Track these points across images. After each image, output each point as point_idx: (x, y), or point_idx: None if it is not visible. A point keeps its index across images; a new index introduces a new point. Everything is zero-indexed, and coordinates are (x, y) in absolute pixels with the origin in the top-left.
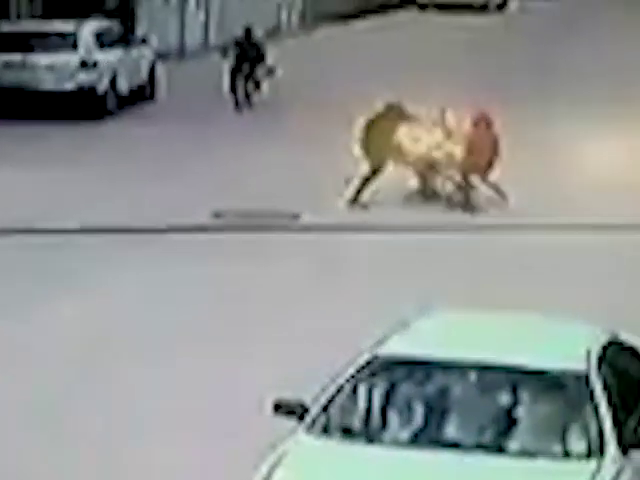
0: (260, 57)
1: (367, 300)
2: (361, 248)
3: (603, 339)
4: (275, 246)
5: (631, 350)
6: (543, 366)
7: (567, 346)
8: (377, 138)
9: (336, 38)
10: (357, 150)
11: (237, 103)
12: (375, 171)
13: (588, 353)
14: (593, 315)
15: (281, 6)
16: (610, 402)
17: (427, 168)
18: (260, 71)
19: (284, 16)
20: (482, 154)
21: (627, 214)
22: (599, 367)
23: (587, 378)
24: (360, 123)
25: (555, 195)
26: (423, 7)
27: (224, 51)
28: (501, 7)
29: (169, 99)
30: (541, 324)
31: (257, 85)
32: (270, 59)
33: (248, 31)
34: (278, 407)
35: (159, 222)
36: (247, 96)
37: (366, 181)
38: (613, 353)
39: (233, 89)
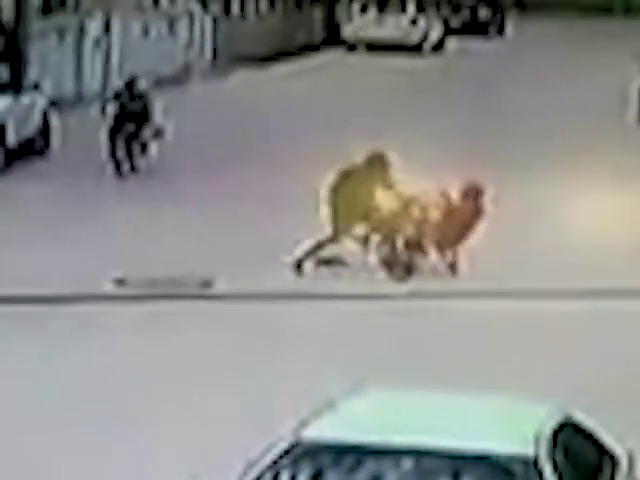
0: (145, 114)
1: (289, 377)
2: (286, 318)
3: (555, 420)
4: (185, 316)
5: (586, 432)
6: (487, 450)
7: (514, 428)
8: (352, 196)
9: (251, 84)
10: (324, 207)
11: (119, 169)
12: (338, 234)
13: (537, 436)
14: (544, 392)
15: (190, 47)
16: None
17: (392, 232)
18: (146, 132)
19: (193, 58)
20: (458, 227)
21: (569, 278)
22: (550, 451)
23: (536, 463)
24: (331, 177)
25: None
26: (352, 48)
27: (102, 108)
28: (437, 48)
29: (64, 152)
30: (485, 404)
31: (143, 148)
32: (173, 110)
33: (131, 83)
34: None
35: (51, 291)
36: (131, 160)
37: (322, 245)
38: (566, 435)
39: (113, 153)
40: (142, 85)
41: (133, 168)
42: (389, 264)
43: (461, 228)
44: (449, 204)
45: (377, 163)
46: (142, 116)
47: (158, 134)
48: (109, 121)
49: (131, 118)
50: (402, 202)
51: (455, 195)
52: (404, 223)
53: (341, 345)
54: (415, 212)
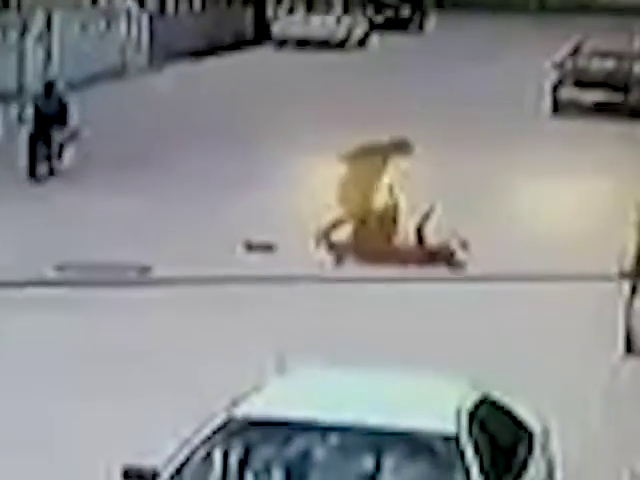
0: (62, 118)
1: (224, 358)
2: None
3: (473, 397)
4: (124, 302)
5: (502, 408)
6: (409, 426)
7: (436, 405)
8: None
9: (185, 78)
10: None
11: (34, 173)
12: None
13: (458, 411)
14: (468, 371)
15: (128, 43)
16: (481, 465)
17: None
18: (59, 135)
19: (130, 54)
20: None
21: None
22: (469, 427)
23: (457, 439)
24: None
25: None
26: (280, 44)
27: (19, 115)
28: (362, 43)
29: (5, 145)
30: (407, 382)
31: (60, 151)
32: (111, 102)
33: (49, 86)
34: (127, 474)
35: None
36: (49, 164)
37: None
38: (484, 412)
39: (32, 158)
40: (60, 88)
41: (51, 171)
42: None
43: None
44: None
45: (397, 149)
46: (57, 119)
47: (73, 135)
48: (29, 126)
49: (49, 121)
50: (385, 206)
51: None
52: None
53: (272, 324)
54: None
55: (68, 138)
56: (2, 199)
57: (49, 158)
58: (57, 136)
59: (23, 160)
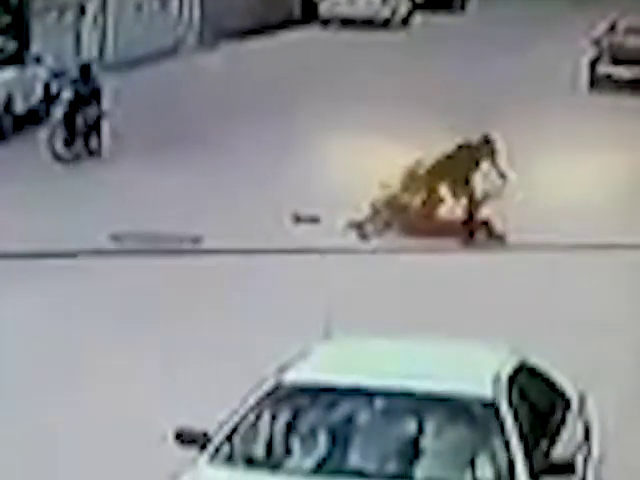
0: (95, 99)
1: (272, 325)
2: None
3: (512, 364)
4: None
5: (540, 375)
6: (450, 391)
7: (475, 371)
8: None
9: (236, 56)
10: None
11: (58, 154)
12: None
13: (496, 378)
14: (502, 339)
15: (180, 23)
16: (519, 428)
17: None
18: (90, 115)
19: (182, 33)
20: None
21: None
22: (508, 392)
23: (495, 404)
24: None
25: None
26: (325, 23)
27: (52, 97)
28: (405, 22)
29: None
30: (448, 349)
31: (89, 131)
32: (166, 79)
33: (85, 68)
34: (180, 436)
35: (52, 247)
36: (86, 145)
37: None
38: (522, 378)
39: (70, 139)
40: (94, 71)
41: (89, 150)
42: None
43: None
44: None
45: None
46: (90, 101)
47: (101, 118)
48: (64, 107)
49: (84, 103)
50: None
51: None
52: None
53: (320, 295)
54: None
55: (97, 119)
56: (56, 177)
57: (85, 137)
58: (89, 116)
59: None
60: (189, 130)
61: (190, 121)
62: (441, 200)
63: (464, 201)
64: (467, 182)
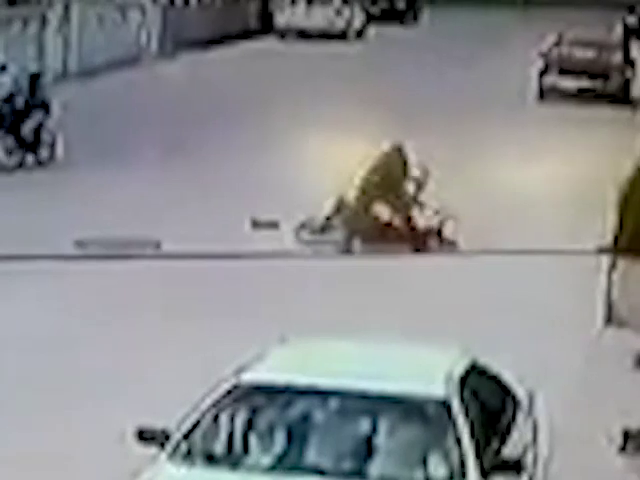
0: (44, 109)
1: (229, 327)
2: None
3: (463, 364)
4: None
5: (491, 375)
6: (403, 391)
7: (427, 371)
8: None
9: (195, 66)
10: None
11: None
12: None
13: (448, 378)
14: (457, 341)
15: (140, 33)
16: (471, 427)
17: None
18: (37, 124)
19: (143, 43)
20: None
21: None
22: (460, 392)
23: (448, 403)
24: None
25: None
26: (282, 34)
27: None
28: (360, 34)
29: None
30: (401, 351)
31: (40, 140)
32: (127, 88)
33: (34, 78)
34: (140, 434)
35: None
36: (35, 154)
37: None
38: (473, 378)
39: (14, 148)
40: (43, 81)
41: (40, 161)
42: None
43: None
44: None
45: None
46: (42, 110)
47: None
48: (8, 115)
49: (30, 112)
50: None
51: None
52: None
53: (275, 300)
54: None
55: (44, 128)
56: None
57: (32, 147)
58: (36, 125)
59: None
60: (149, 136)
61: (150, 128)
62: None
63: (402, 210)
64: (400, 191)
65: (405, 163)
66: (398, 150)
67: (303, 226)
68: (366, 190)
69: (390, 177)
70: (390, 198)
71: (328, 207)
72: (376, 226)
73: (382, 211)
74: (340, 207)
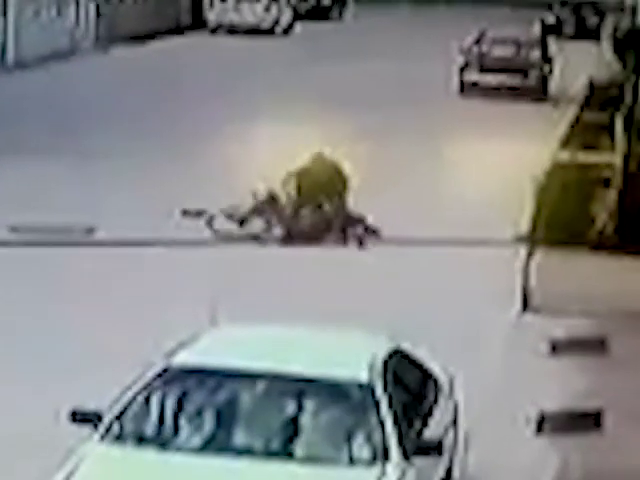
0: None
1: (159, 312)
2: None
3: (386, 349)
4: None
5: (413, 360)
6: (328, 375)
7: (352, 356)
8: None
9: (129, 59)
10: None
11: None
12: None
13: (371, 362)
14: (380, 326)
15: (76, 28)
16: (394, 410)
17: None
18: None
19: (78, 37)
20: None
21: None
22: (383, 376)
23: (371, 386)
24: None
25: None
26: (214, 30)
27: None
28: (287, 31)
29: None
30: (327, 335)
31: None
32: (62, 78)
33: None
34: (74, 415)
35: None
36: None
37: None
38: (396, 362)
39: None
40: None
41: None
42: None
43: None
44: None
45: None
46: None
47: None
48: None
49: None
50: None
51: None
52: None
53: (205, 286)
54: None
55: None
56: None
57: None
58: None
59: None
60: (83, 126)
61: (81, 119)
62: (319, 206)
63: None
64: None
65: (334, 167)
66: (323, 157)
67: (212, 219)
68: (302, 186)
69: (323, 175)
70: (325, 194)
71: (249, 199)
72: (310, 219)
73: (319, 205)
74: (265, 200)
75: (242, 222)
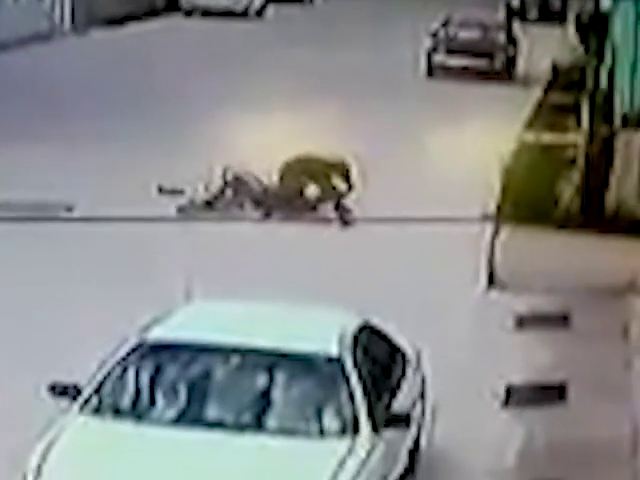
0: None
1: (136, 287)
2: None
3: (356, 324)
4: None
5: (382, 334)
6: (298, 349)
7: (321, 330)
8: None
9: (105, 41)
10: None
11: None
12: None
13: (341, 337)
14: (349, 302)
15: (53, 11)
16: (363, 383)
17: None
18: None
19: (56, 20)
20: None
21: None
22: (352, 350)
23: (341, 360)
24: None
25: None
26: (189, 13)
27: None
28: (259, 14)
29: None
30: (299, 312)
31: None
32: (40, 61)
33: None
34: (53, 388)
35: None
36: None
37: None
38: (365, 337)
39: None
40: None
41: None
42: None
43: None
44: None
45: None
46: None
47: None
48: None
49: None
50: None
51: None
52: None
53: (178, 262)
54: None
55: None
56: None
57: None
58: None
59: None
60: (61, 106)
61: (60, 100)
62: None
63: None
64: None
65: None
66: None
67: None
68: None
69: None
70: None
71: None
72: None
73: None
74: (232, 180)
75: (209, 203)
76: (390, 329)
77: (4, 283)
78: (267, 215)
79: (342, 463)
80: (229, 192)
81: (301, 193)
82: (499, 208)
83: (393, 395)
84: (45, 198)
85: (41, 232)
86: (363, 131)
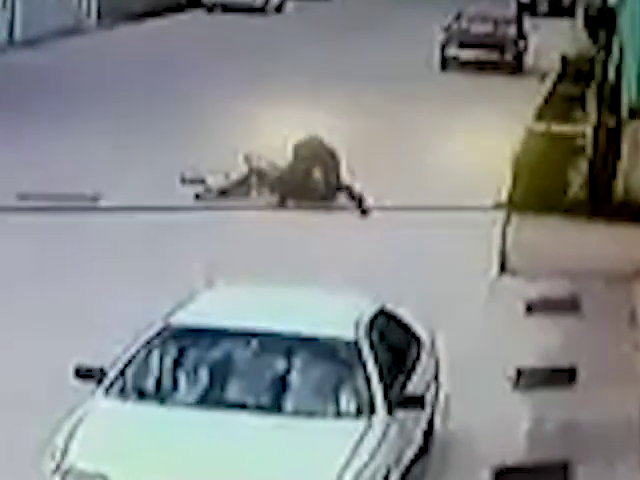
0: None
1: (162, 273)
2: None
3: (372, 309)
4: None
5: (397, 319)
6: (317, 333)
7: (339, 316)
8: None
9: (131, 36)
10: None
11: None
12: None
13: (358, 321)
14: (366, 288)
15: (80, 7)
16: (379, 366)
17: None
18: None
19: (82, 15)
20: None
21: None
22: (368, 334)
23: (358, 345)
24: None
25: None
26: (210, 9)
27: None
28: (279, 9)
29: None
30: (317, 297)
31: None
32: (67, 57)
33: None
34: (78, 372)
35: None
36: None
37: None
38: (381, 322)
39: None
40: None
41: None
42: None
43: None
44: None
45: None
46: None
47: None
48: None
49: None
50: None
51: None
52: None
53: (200, 251)
54: None
55: None
56: None
57: None
58: None
59: None
60: (87, 100)
61: (91, 91)
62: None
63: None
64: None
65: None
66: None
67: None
68: (302, 158)
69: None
70: (324, 165)
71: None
72: (308, 185)
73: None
74: (253, 169)
75: (224, 191)
76: (405, 313)
77: (33, 272)
78: (282, 201)
79: (359, 442)
80: (253, 179)
81: (309, 175)
82: (510, 197)
83: (408, 378)
84: (72, 190)
85: (67, 223)
86: (379, 122)
